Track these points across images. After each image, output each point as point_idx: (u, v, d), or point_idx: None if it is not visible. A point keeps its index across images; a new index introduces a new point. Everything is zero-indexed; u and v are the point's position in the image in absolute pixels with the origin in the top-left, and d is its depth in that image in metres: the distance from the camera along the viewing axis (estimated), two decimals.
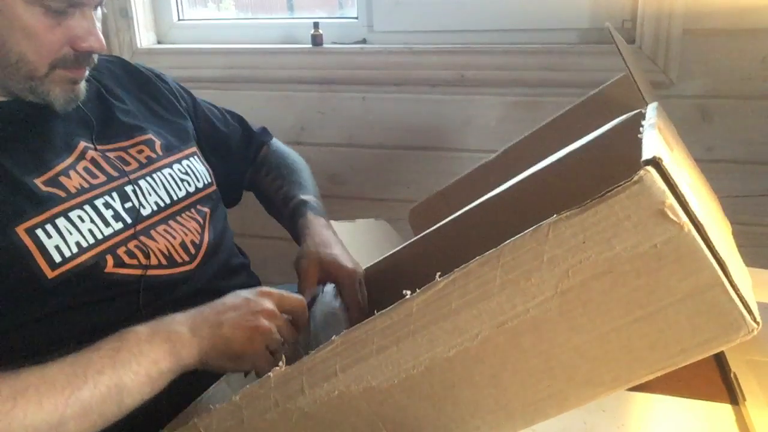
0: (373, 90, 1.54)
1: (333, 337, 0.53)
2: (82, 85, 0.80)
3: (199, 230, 0.88)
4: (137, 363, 0.64)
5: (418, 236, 0.88)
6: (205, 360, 0.68)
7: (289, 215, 1.01)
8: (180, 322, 0.69)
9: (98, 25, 0.78)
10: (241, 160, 1.12)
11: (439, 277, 0.49)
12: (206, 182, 0.94)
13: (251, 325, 0.70)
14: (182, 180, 0.90)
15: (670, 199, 0.41)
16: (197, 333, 0.68)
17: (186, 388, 0.70)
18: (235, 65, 1.60)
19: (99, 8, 0.78)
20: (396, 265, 0.86)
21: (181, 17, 1.72)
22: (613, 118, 0.72)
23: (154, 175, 0.87)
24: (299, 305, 0.76)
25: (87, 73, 0.80)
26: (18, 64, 0.73)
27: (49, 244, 0.71)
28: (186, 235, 0.86)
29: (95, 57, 0.79)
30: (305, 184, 1.07)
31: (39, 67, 0.74)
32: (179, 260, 0.83)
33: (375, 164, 1.57)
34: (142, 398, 0.64)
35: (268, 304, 0.73)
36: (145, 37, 1.67)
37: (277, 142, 1.18)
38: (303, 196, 1.02)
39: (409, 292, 0.50)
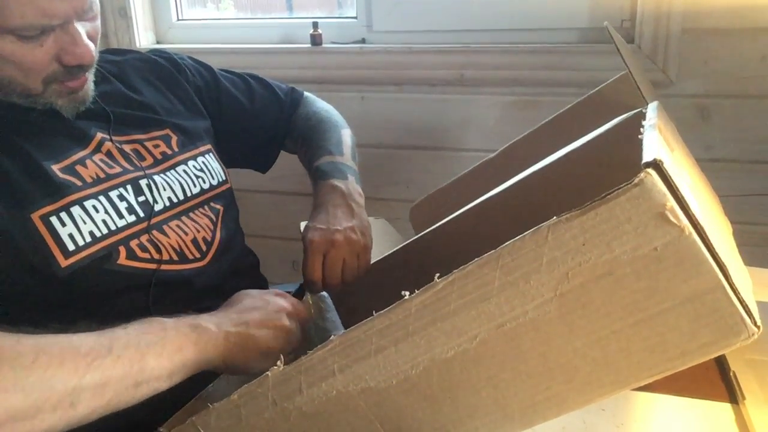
0: (373, 90, 1.54)
1: (331, 337, 0.53)
2: (88, 87, 0.80)
3: (212, 227, 0.88)
4: (162, 346, 0.62)
5: (417, 236, 0.88)
6: (229, 358, 0.66)
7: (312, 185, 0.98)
8: (205, 319, 0.68)
9: (91, 25, 0.76)
10: (277, 128, 1.10)
11: (438, 278, 0.49)
12: (220, 180, 0.94)
13: (277, 324, 0.70)
14: (197, 177, 0.90)
15: (671, 202, 0.41)
16: (223, 329, 0.67)
17: (183, 386, 0.70)
18: (235, 65, 1.58)
19: (90, 11, 0.75)
20: (394, 265, 0.86)
21: (180, 17, 1.72)
22: (613, 117, 0.72)
23: (169, 172, 0.87)
24: (306, 313, 0.77)
25: (89, 78, 0.79)
26: (11, 85, 0.73)
27: (63, 233, 0.72)
28: (198, 231, 0.86)
29: (94, 60, 0.77)
30: (321, 142, 1.03)
31: (32, 87, 0.74)
32: (190, 257, 0.83)
33: (374, 164, 1.56)
34: (158, 388, 0.61)
35: (287, 305, 0.73)
36: (144, 37, 1.67)
37: (307, 101, 1.14)
38: (316, 162, 0.99)
39: (407, 293, 0.50)
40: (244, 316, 0.70)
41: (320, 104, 1.14)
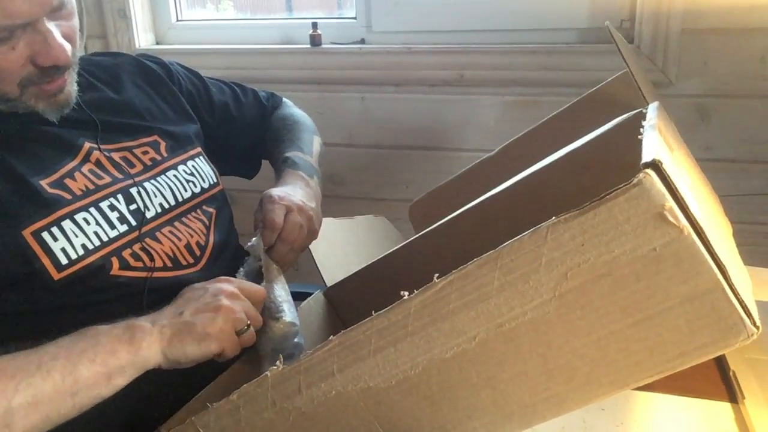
0: (372, 90, 1.54)
1: (330, 337, 0.53)
2: (70, 89, 0.78)
3: (205, 231, 0.88)
4: (93, 352, 0.62)
5: (417, 236, 0.88)
6: (168, 350, 0.66)
7: (276, 175, 0.99)
8: (141, 319, 0.68)
9: (67, 24, 0.73)
10: (259, 133, 1.12)
11: (437, 278, 0.49)
12: (212, 182, 0.93)
13: (213, 306, 0.69)
14: (188, 181, 0.89)
15: (670, 203, 0.41)
16: (158, 323, 0.67)
17: (183, 386, 0.69)
18: (234, 66, 1.60)
19: (63, 8, 0.72)
20: (393, 264, 0.86)
21: (179, 18, 1.72)
22: (613, 116, 0.72)
23: (159, 178, 0.86)
24: (259, 292, 0.75)
25: (69, 78, 0.77)
26: None
27: (56, 247, 0.71)
28: (191, 236, 0.85)
29: (75, 58, 0.76)
30: (295, 140, 1.05)
31: (8, 91, 0.72)
32: (184, 263, 0.83)
33: (374, 164, 1.56)
34: (99, 395, 0.62)
35: (228, 287, 0.72)
36: (143, 38, 1.67)
37: (285, 105, 1.17)
38: (287, 153, 1.00)
39: (407, 293, 0.50)
40: (180, 308, 0.70)
41: (297, 110, 1.18)
